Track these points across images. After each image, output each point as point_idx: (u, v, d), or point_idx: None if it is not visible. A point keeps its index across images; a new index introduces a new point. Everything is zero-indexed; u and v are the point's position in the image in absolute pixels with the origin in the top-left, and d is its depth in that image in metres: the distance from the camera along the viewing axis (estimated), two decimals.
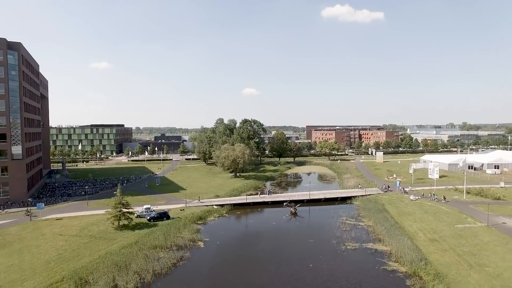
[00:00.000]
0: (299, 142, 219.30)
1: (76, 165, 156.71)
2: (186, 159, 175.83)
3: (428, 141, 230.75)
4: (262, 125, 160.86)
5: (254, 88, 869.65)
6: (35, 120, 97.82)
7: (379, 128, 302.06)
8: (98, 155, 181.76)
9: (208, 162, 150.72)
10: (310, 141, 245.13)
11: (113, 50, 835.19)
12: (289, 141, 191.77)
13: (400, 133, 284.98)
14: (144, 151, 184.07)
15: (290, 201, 77.74)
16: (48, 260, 44.28)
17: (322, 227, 62.98)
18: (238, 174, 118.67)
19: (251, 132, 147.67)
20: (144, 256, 46.55)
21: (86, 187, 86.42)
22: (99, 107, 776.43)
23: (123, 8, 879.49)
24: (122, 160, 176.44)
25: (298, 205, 76.18)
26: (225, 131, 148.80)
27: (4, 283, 37.57)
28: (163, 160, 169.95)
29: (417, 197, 78.23)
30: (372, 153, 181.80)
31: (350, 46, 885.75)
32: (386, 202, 76.62)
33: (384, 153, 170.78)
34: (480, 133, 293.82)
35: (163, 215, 64.77)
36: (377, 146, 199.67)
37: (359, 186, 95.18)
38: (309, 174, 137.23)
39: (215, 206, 76.04)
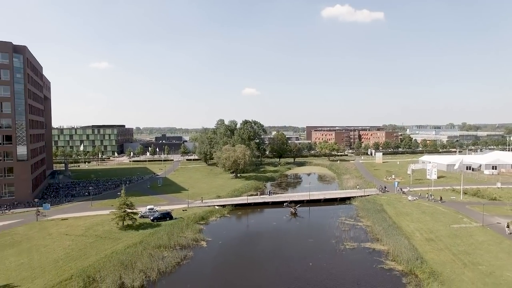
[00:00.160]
0: (299, 143, 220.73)
1: (78, 166, 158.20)
2: (187, 159, 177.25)
3: (428, 141, 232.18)
4: (263, 126, 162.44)
5: (254, 88, 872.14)
6: (39, 121, 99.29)
7: (378, 129, 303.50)
8: (99, 155, 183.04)
9: (209, 163, 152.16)
10: (310, 141, 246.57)
11: (113, 50, 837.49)
12: (289, 141, 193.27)
13: (400, 133, 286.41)
14: (146, 152, 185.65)
15: (290, 202, 79.16)
16: (56, 259, 45.74)
17: (322, 227, 64.41)
18: (239, 175, 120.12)
19: (251, 133, 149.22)
20: (148, 255, 47.94)
21: (90, 188, 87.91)
22: (99, 107, 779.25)
23: (123, 8, 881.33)
24: (123, 161, 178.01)
25: (298, 205, 77.61)
26: (226, 132, 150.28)
27: (16, 280, 39.04)
28: (164, 160, 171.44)
29: (415, 198, 79.69)
30: (371, 154, 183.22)
31: (350, 46, 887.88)
32: (384, 202, 78.06)
33: (383, 154, 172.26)
34: (479, 133, 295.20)
35: (166, 216, 66.22)
36: (376, 146, 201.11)
37: (357, 186, 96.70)
38: (309, 174, 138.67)
39: (216, 207, 77.51)
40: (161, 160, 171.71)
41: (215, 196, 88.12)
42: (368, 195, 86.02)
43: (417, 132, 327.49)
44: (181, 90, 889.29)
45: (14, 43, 79.10)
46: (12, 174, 79.57)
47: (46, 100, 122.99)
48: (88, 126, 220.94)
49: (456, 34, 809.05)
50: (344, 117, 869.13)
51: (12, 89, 78.09)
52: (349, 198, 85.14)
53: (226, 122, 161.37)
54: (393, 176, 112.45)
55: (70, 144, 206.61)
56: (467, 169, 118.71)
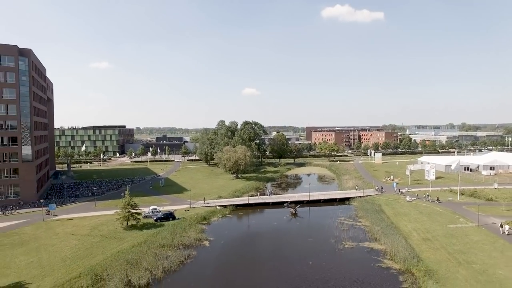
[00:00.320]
0: (299, 143, 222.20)
1: (80, 166, 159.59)
2: (188, 160, 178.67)
3: (427, 142, 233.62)
4: (263, 127, 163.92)
5: (254, 88, 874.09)
6: (42, 123, 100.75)
7: (378, 129, 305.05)
8: (101, 156, 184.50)
9: (210, 163, 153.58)
10: (310, 142, 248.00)
11: (113, 50, 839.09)
12: (289, 142, 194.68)
13: (399, 133, 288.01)
14: (147, 152, 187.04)
15: (291, 202, 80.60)
16: (64, 257, 47.22)
17: (321, 227, 65.87)
18: (239, 175, 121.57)
19: (252, 134, 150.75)
20: (153, 254, 49.38)
21: (94, 188, 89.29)
22: (99, 107, 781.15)
23: (124, 8, 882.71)
24: (125, 161, 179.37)
25: (298, 206, 79.07)
26: (226, 133, 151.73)
27: (27, 278, 40.51)
28: (165, 161, 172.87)
29: (413, 198, 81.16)
30: (371, 154, 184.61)
31: (350, 46, 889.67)
32: (383, 203, 79.53)
33: (383, 154, 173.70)
34: (479, 134, 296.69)
35: (169, 216, 67.70)
36: (376, 147, 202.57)
37: (356, 187, 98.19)
38: (308, 175, 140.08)
39: (218, 207, 78.98)
40: (162, 161, 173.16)
41: (216, 197, 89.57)
42: (367, 196, 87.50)
43: (416, 132, 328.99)
44: (181, 90, 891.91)
45: (19, 46, 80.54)
46: (17, 175, 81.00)
47: (49, 102, 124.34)
48: (90, 127, 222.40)
49: (456, 34, 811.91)
50: (344, 117, 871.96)
51: (18, 92, 79.54)
52: (348, 199, 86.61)
53: (227, 123, 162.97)
54: (391, 177, 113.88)
55: (72, 145, 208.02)
56: (465, 169, 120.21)
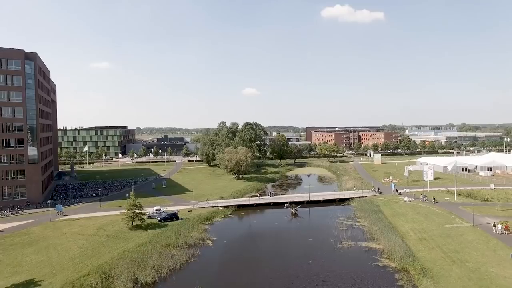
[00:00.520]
0: (299, 144, 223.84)
1: (83, 167, 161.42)
2: (189, 160, 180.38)
3: (426, 142, 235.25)
4: (263, 128, 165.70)
5: (254, 88, 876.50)
6: (47, 125, 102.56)
7: (378, 130, 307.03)
8: (103, 157, 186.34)
9: (211, 164, 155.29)
10: (310, 142, 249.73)
11: (114, 50, 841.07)
12: (289, 143, 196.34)
13: (399, 134, 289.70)
14: (148, 153, 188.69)
15: (291, 203, 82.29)
16: (72, 256, 49.01)
17: (321, 227, 67.66)
18: (240, 176, 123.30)
19: (252, 135, 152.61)
20: (158, 253, 51.11)
21: (99, 189, 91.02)
22: (100, 107, 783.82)
23: (124, 8, 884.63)
24: (126, 162, 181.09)
25: (299, 206, 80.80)
26: (227, 134, 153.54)
27: (38, 276, 42.30)
28: (167, 162, 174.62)
29: (410, 199, 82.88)
30: (370, 155, 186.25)
31: (350, 46, 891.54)
32: (381, 203, 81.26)
33: (382, 155, 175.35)
34: (478, 134, 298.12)
35: (173, 216, 69.48)
36: (375, 148, 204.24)
37: (354, 188, 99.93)
38: (309, 175, 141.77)
39: (220, 207, 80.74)
40: (164, 161, 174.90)
41: (218, 197, 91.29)
42: (366, 196, 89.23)
43: (416, 133, 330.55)
44: (182, 90, 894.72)
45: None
46: (24, 176, 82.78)
47: (53, 103, 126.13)
48: (91, 128, 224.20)
49: (456, 34, 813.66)
50: (344, 117, 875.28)
51: (24, 95, 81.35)
52: (347, 199, 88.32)
53: (228, 124, 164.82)
54: (390, 178, 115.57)
55: (74, 145, 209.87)
56: (463, 170, 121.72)
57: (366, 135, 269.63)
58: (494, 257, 45.76)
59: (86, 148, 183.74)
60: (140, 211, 64.44)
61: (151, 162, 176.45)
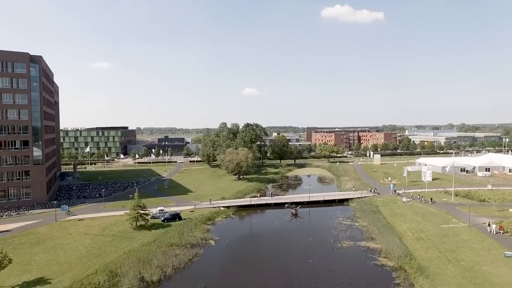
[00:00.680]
0: (300, 144, 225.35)
1: (85, 168, 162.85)
2: (190, 161, 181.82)
3: (426, 143, 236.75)
4: (264, 129, 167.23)
5: (254, 88, 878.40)
6: (51, 126, 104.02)
7: (378, 130, 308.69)
8: (105, 157, 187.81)
9: (212, 165, 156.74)
10: (310, 143, 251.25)
11: (114, 50, 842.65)
12: (289, 143, 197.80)
13: (399, 134, 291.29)
14: (149, 153, 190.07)
15: (291, 203, 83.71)
16: (79, 256, 50.49)
17: (321, 227, 69.10)
18: (241, 177, 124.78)
19: (253, 136, 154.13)
20: (162, 252, 52.51)
21: (103, 190, 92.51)
22: (100, 107, 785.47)
23: (124, 8, 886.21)
24: (128, 162, 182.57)
25: (299, 206, 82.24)
26: (228, 135, 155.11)
27: (48, 274, 43.78)
28: (168, 162, 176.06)
29: (409, 199, 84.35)
30: (370, 156, 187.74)
31: (350, 46, 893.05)
32: (380, 204, 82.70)
33: (382, 155, 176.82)
34: (477, 134, 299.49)
35: (176, 216, 70.95)
36: (375, 148, 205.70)
37: (353, 188, 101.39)
38: (309, 176, 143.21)
39: (222, 208, 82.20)
40: (165, 162, 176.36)
41: (220, 198, 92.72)
42: (365, 197, 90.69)
43: (415, 133, 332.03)
44: (182, 90, 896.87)
45: (31, 54, 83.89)
46: (29, 177, 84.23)
47: (55, 105, 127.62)
48: (93, 128, 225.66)
49: (456, 34, 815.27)
50: (344, 117, 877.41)
51: (29, 97, 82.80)
52: (346, 200, 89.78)
53: (228, 125, 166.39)
54: (389, 178, 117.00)
55: (75, 146, 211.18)
56: (461, 171, 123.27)
57: (366, 136, 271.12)
58: (489, 256, 47.23)
59: (88, 149, 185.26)
60: (143, 212, 65.89)
61: (153, 162, 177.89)
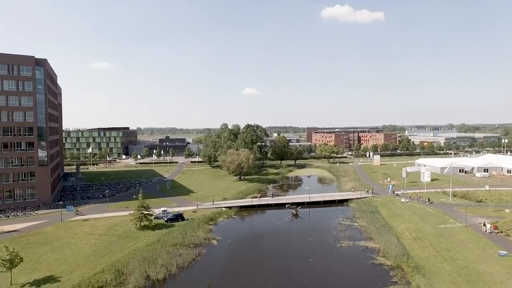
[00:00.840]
0: (300, 145, 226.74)
1: (87, 168, 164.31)
2: (191, 161, 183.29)
3: (425, 143, 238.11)
4: (265, 130, 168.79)
5: (254, 88, 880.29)
6: (55, 127, 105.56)
7: (378, 131, 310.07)
8: (107, 158, 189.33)
9: (213, 165, 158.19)
10: (310, 143, 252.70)
11: (114, 50, 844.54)
12: (290, 144, 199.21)
13: (399, 135, 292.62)
14: (151, 154, 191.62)
15: (292, 203, 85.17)
16: (86, 255, 52.01)
17: (321, 227, 70.58)
18: (242, 177, 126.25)
19: (254, 137, 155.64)
20: (166, 252, 54.04)
21: (107, 191, 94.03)
22: (100, 107, 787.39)
23: (124, 8, 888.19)
24: (129, 163, 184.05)
25: (299, 207, 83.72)
26: (229, 136, 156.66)
27: (57, 273, 45.31)
28: (169, 163, 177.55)
29: (407, 200, 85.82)
30: (369, 156, 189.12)
31: (350, 47, 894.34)
32: (379, 204, 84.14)
33: (381, 156, 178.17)
34: (477, 135, 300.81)
35: (179, 217, 72.44)
36: (375, 149, 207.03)
37: (352, 189, 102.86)
38: (309, 176, 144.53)
39: (224, 208, 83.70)
40: (167, 163, 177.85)
41: (221, 198, 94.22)
42: (364, 197, 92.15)
43: (415, 133, 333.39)
44: (182, 90, 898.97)
45: (36, 57, 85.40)
46: (34, 178, 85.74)
47: (59, 106, 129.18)
48: (94, 129, 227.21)
49: (456, 34, 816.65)
50: (344, 117, 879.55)
51: (34, 99, 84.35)
52: (346, 200, 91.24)
53: (229, 126, 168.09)
54: (388, 179, 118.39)
55: (77, 147, 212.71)
56: (460, 171, 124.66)
57: (366, 136, 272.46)
58: (483, 255, 48.72)
59: (90, 150, 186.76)
60: (147, 212, 67.35)
61: (154, 163, 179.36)
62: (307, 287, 43.57)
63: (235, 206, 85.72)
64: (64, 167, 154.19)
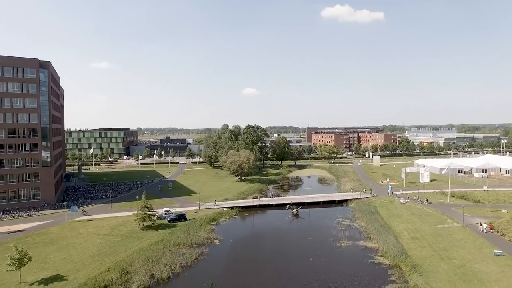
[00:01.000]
0: (300, 145, 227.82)
1: (89, 169, 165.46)
2: (192, 162, 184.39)
3: (425, 144, 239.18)
4: (265, 130, 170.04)
5: (254, 88, 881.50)
6: (58, 129, 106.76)
7: (377, 131, 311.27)
8: (108, 158, 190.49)
9: (214, 166, 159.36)
10: (310, 143, 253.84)
11: (114, 50, 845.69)
12: (290, 144, 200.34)
13: (399, 135, 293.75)
14: (152, 154, 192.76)
15: (292, 204, 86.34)
16: (91, 254, 53.21)
17: (321, 227, 71.77)
18: (243, 178, 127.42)
19: (254, 138, 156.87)
20: (170, 251, 55.26)
21: (110, 191, 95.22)
22: (100, 107, 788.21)
23: (124, 8, 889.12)
24: (131, 163, 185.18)
25: (299, 207, 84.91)
26: (230, 136, 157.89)
27: (63, 271, 46.53)
28: (170, 163, 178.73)
29: (406, 200, 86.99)
30: (369, 157, 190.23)
31: (350, 47, 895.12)
32: (378, 204, 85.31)
33: (381, 156, 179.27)
34: (476, 135, 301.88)
35: (181, 217, 73.63)
36: (374, 149, 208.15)
37: (351, 190, 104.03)
38: (309, 177, 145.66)
39: (225, 209, 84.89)
40: (168, 163, 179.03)
41: (223, 199, 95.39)
42: (364, 198, 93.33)
43: (415, 134, 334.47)
44: (182, 90, 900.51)
45: (40, 59, 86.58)
46: (38, 179, 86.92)
47: (61, 107, 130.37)
48: (95, 129, 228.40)
49: (456, 34, 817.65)
50: (344, 117, 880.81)
51: (38, 101, 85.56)
52: (346, 201, 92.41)
53: (230, 126, 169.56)
54: (388, 180, 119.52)
55: (78, 147, 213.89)
56: (459, 172, 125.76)
57: (366, 137, 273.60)
58: (479, 255, 49.91)
59: (91, 150, 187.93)
60: (150, 212, 68.55)
61: (155, 163, 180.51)
62: (307, 286, 44.72)
63: (236, 207, 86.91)
64: (66, 167, 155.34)
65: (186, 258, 53.42)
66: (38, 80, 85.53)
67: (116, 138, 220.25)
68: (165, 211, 76.26)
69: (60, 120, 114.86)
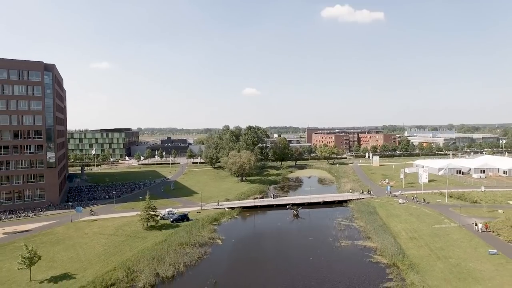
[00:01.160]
0: (300, 146, 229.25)
1: (91, 169, 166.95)
2: (193, 162, 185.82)
3: (424, 144, 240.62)
4: (266, 131, 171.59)
5: (254, 88, 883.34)
6: (61, 130, 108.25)
7: (377, 131, 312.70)
8: (110, 159, 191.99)
9: (215, 166, 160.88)
10: (310, 144, 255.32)
11: (114, 50, 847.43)
12: (290, 145, 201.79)
13: (398, 135, 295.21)
14: (153, 155, 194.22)
15: (293, 204, 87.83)
16: (98, 254, 54.72)
17: (321, 227, 73.25)
18: (244, 178, 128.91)
19: (255, 139, 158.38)
20: (173, 251, 56.70)
21: (114, 192, 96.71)
22: (100, 107, 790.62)
23: (124, 8, 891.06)
24: (132, 164, 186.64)
25: (300, 207, 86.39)
26: (231, 137, 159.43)
27: (71, 270, 48.03)
28: (171, 164, 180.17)
29: (405, 201, 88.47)
30: (369, 157, 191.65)
31: (350, 47, 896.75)
32: (377, 205, 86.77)
33: (381, 157, 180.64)
34: (475, 136, 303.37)
35: (184, 217, 75.12)
36: (374, 150, 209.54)
37: (350, 190, 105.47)
38: (309, 177, 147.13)
39: (227, 209, 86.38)
40: (169, 164, 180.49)
41: (224, 199, 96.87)
42: (363, 198, 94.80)
43: (414, 134, 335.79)
44: (182, 90, 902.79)
45: (45, 62, 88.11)
46: (42, 179, 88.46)
47: (64, 109, 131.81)
48: (97, 130, 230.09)
49: (456, 34, 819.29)
50: (344, 117, 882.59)
51: (43, 104, 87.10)
52: (345, 201, 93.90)
53: (230, 126, 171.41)
54: (387, 180, 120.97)
55: (80, 148, 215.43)
56: (457, 172, 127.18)
57: (366, 137, 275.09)
58: (474, 254, 51.40)
59: (93, 151, 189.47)
60: (154, 213, 70.03)
61: (157, 164, 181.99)
62: (307, 285, 46.16)
63: (237, 207, 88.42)
64: (68, 168, 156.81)
65: (189, 257, 54.88)
66: (43, 83, 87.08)
67: (117, 138, 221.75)
68: (168, 211, 77.75)
69: (63, 121, 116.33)
